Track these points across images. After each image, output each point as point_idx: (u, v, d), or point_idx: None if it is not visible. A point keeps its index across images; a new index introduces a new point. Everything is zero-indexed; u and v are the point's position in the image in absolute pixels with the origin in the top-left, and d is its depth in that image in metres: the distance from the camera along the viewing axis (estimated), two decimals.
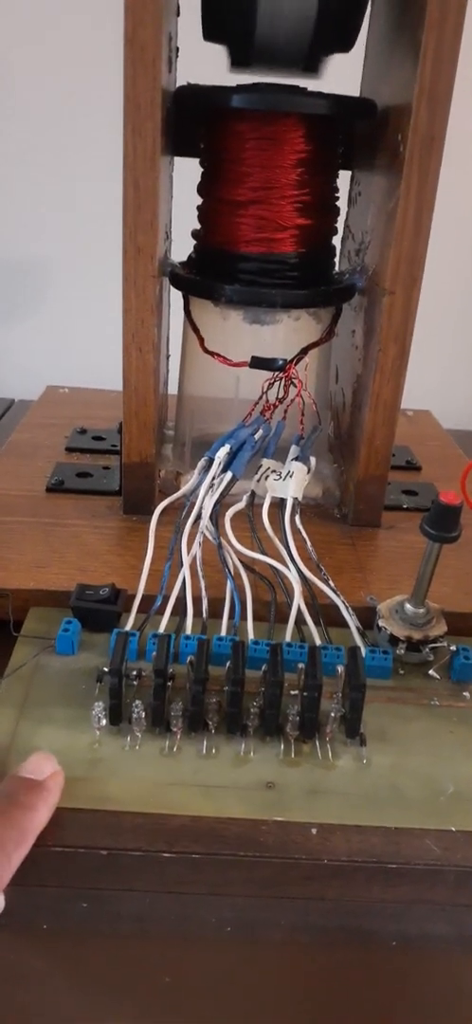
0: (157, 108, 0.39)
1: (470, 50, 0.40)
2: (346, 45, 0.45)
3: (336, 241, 0.51)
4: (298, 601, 0.39)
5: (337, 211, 0.50)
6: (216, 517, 0.41)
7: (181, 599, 0.39)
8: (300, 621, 0.39)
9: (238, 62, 0.45)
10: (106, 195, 0.48)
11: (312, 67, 0.45)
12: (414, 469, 0.60)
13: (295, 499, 0.42)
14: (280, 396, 0.46)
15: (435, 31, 0.38)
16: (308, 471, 0.44)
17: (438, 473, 0.59)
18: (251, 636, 0.38)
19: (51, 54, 0.74)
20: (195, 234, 0.50)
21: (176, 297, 0.51)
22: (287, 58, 0.44)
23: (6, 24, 0.73)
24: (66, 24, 0.72)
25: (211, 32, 0.45)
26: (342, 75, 0.47)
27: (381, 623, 0.39)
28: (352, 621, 0.39)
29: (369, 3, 0.44)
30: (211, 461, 0.42)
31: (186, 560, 0.40)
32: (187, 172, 0.50)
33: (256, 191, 0.45)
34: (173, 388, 0.56)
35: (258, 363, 0.46)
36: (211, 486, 0.42)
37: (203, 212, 0.49)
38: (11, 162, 0.78)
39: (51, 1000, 0.29)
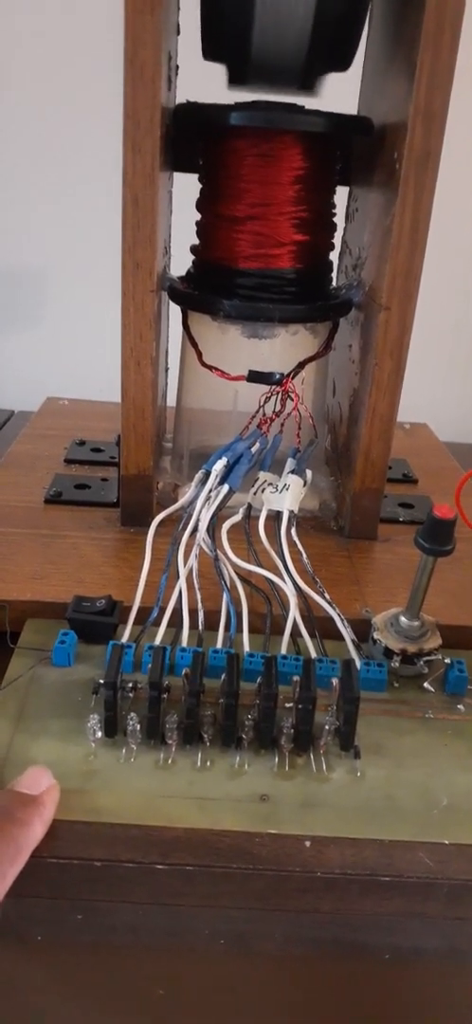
0: (156, 126, 0.40)
1: (465, 68, 0.41)
2: (343, 64, 0.46)
3: (333, 256, 0.51)
4: (294, 613, 0.39)
5: (334, 227, 0.50)
6: (213, 529, 0.41)
7: (177, 611, 0.39)
8: (295, 633, 0.39)
9: (236, 80, 0.46)
10: (106, 206, 0.49)
11: (309, 85, 0.46)
12: (410, 482, 0.60)
13: (291, 512, 0.42)
14: (277, 409, 0.46)
15: (430, 49, 0.38)
16: (304, 484, 0.44)
17: (434, 486, 0.60)
18: (246, 648, 0.38)
19: (51, 65, 0.74)
20: (194, 249, 0.50)
21: (175, 311, 0.52)
22: (284, 76, 0.44)
23: (6, 30, 0.73)
24: (67, 32, 0.73)
25: (210, 51, 0.45)
26: (340, 92, 0.48)
27: (376, 636, 0.39)
28: (347, 633, 0.39)
29: (366, 22, 0.45)
30: (208, 474, 0.43)
31: (183, 572, 0.40)
32: (186, 188, 0.51)
33: (254, 207, 0.45)
34: (171, 401, 0.57)
35: (255, 377, 0.46)
36: (208, 498, 0.42)
37: (202, 227, 0.50)
38: (10, 172, 0.78)
39: (46, 1010, 0.29)
